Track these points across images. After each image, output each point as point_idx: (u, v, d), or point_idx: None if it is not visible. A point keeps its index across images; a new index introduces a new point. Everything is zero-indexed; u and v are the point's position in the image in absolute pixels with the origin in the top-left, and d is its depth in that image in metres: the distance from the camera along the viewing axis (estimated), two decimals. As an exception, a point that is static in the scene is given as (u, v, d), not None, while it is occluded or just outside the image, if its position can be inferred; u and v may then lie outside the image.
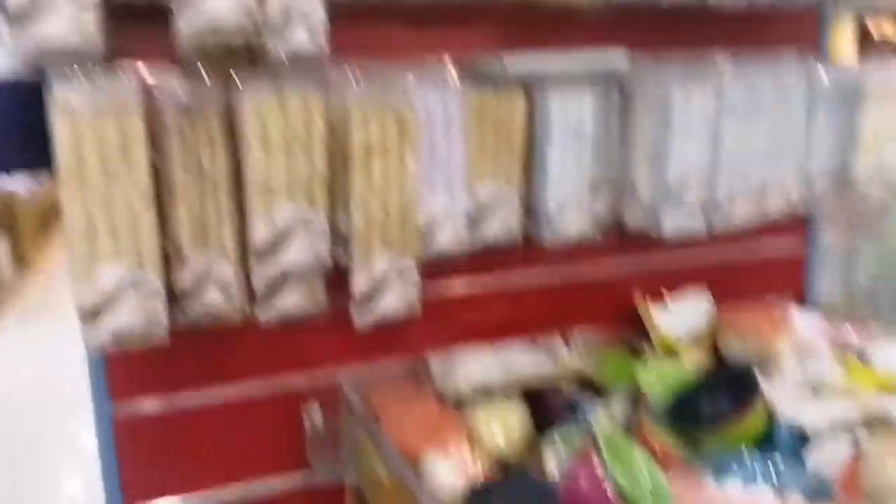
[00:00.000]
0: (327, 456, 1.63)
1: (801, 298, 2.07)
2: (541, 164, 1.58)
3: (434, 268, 1.59)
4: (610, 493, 1.03)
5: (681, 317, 1.80)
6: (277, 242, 1.32)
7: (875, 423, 1.28)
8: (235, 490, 1.62)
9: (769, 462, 0.97)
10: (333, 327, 1.57)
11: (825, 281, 2.31)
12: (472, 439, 1.45)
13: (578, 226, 1.63)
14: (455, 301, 1.70)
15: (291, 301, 1.41)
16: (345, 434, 1.61)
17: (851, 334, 1.67)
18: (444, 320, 1.70)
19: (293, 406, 1.63)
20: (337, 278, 1.49)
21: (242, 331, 1.49)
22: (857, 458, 1.20)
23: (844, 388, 1.38)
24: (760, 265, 2.00)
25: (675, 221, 1.65)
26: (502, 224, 1.58)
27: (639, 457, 1.17)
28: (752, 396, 1.28)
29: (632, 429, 1.43)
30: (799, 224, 2.03)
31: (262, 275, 1.34)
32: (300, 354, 1.61)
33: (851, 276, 3.50)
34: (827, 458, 1.22)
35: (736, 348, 1.68)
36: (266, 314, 1.41)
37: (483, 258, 1.66)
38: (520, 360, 1.61)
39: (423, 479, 1.30)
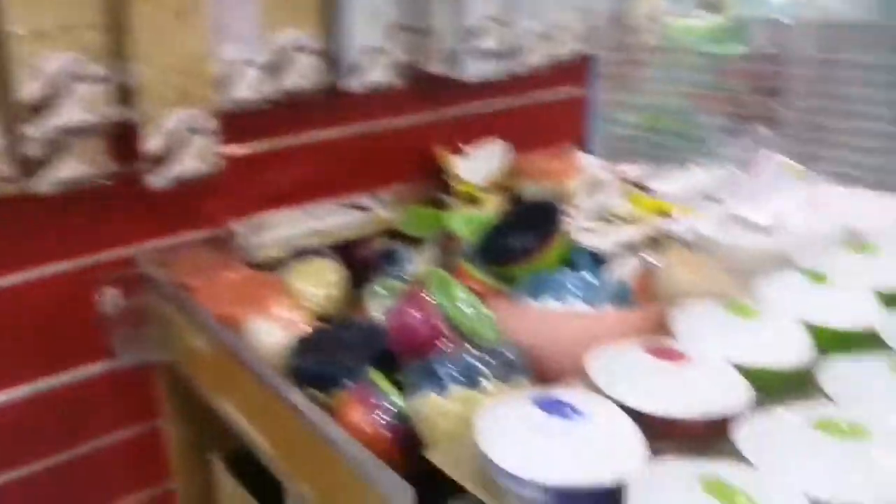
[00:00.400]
0: (130, 339, 1.53)
1: (582, 145, 2.22)
2: (340, 9, 1.51)
3: (233, 126, 1.49)
4: (438, 321, 1.07)
5: (479, 165, 1.86)
6: (49, 98, 1.15)
7: (660, 242, 1.43)
8: (28, 388, 1.48)
9: (577, 280, 1.05)
10: (125, 198, 1.43)
11: (597, 130, 2.51)
12: (291, 299, 1.43)
13: (381, 74, 1.59)
14: (258, 161, 1.62)
15: (71, 167, 1.26)
16: (149, 313, 1.51)
17: (629, 171, 1.83)
18: (247, 183, 1.62)
19: (87, 289, 1.49)
20: (125, 140, 1.34)
21: (18, 206, 1.31)
22: (647, 272, 1.34)
23: (630, 216, 1.53)
24: (548, 113, 2.10)
25: (475, 66, 1.67)
26: (302, 73, 1.50)
27: (461, 290, 1.22)
28: (554, 228, 1.36)
29: (447, 271, 1.48)
30: (579, 73, 2.14)
31: (33, 137, 1.17)
32: (90, 231, 1.46)
33: (615, 127, 3.83)
34: (621, 275, 1.36)
35: (532, 190, 1.77)
36: (43, 184, 1.24)
37: (285, 112, 1.58)
38: (330, 219, 1.59)
39: (246, 342, 1.26)
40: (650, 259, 1.35)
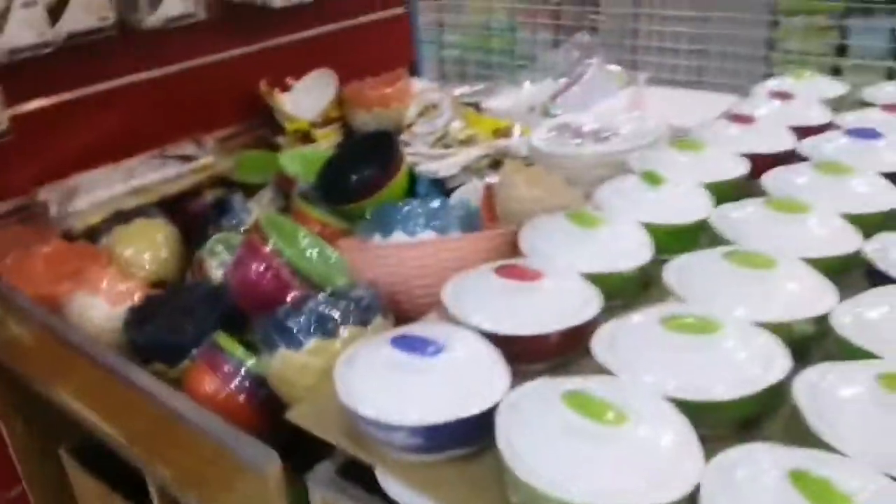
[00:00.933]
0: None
1: (412, 69, 2.16)
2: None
3: (17, 79, 1.31)
4: (283, 271, 1.00)
5: (308, 99, 1.77)
6: None
7: (500, 162, 1.42)
8: None
9: (423, 209, 1.02)
10: None
11: (425, 53, 2.46)
12: (117, 268, 1.30)
13: (179, 5, 1.45)
14: (57, 117, 1.44)
15: None
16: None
17: (462, 92, 1.80)
18: (49, 143, 1.44)
19: None
20: None
21: None
22: (490, 193, 1.33)
23: (468, 138, 1.50)
24: (373, 37, 2.01)
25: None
26: (89, 9, 1.33)
27: (302, 233, 1.15)
28: (394, 160, 1.32)
29: (286, 216, 1.40)
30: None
31: None
32: None
33: (442, 49, 3.79)
34: (466, 199, 1.34)
35: (366, 120, 1.70)
36: None
37: (80, 59, 1.41)
38: (150, 174, 1.45)
39: (72, 323, 1.14)
40: (492, 180, 1.33)
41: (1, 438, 1.48)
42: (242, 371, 0.96)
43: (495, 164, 1.43)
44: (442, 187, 1.39)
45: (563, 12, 3.57)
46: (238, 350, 0.98)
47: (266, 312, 1.00)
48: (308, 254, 1.09)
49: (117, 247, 1.32)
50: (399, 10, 2.08)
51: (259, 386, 0.95)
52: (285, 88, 1.77)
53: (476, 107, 1.68)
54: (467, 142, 1.52)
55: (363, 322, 0.87)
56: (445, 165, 1.41)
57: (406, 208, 1.02)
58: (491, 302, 0.81)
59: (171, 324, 1.05)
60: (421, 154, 1.45)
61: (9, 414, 1.46)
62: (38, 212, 1.39)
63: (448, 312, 0.81)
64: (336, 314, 0.85)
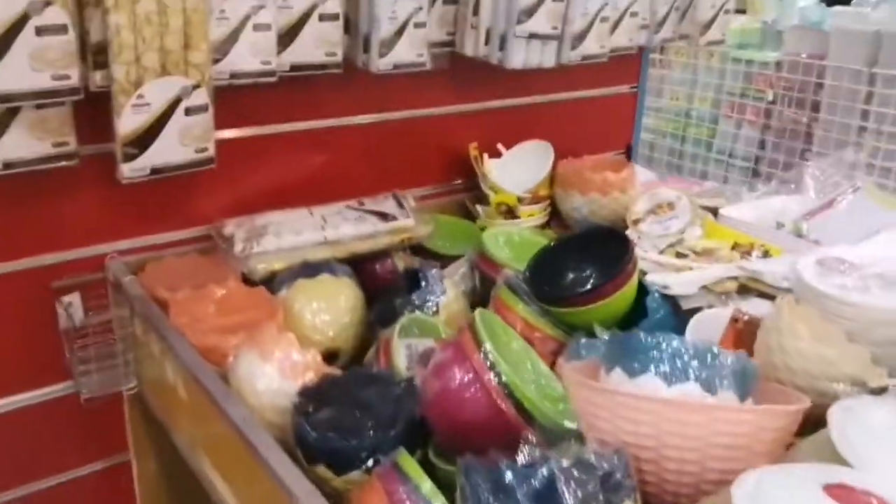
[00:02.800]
0: (91, 361, 1.24)
1: (629, 152, 1.96)
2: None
3: (231, 102, 1.21)
4: (495, 392, 0.80)
5: (518, 171, 1.59)
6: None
7: (748, 287, 1.17)
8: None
9: (688, 349, 0.78)
10: (93, 186, 1.15)
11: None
12: (293, 328, 1.16)
13: (411, 52, 1.31)
14: (258, 148, 1.34)
15: (20, 145, 0.97)
16: (116, 331, 1.23)
17: (692, 189, 1.57)
18: (243, 175, 1.34)
19: (44, 298, 1.21)
20: (94, 114, 1.06)
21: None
22: (739, 326, 1.08)
23: (705, 250, 1.27)
24: (598, 113, 1.82)
25: (523, 53, 1.39)
26: (317, 42, 1.21)
27: (525, 352, 0.95)
28: (626, 264, 1.10)
29: (481, 303, 1.21)
30: (633, 68, 1.87)
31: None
32: (48, 225, 1.18)
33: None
34: (705, 328, 1.10)
35: (578, 205, 1.50)
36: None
37: (295, 92, 1.30)
38: (345, 228, 1.31)
39: (233, 390, 0.99)
40: (746, 311, 1.08)
41: (130, 477, 1.36)
42: (425, 509, 0.76)
43: (742, 289, 1.17)
44: (674, 307, 1.15)
45: (776, 112, 3.25)
46: (425, 483, 0.78)
47: (463, 439, 0.80)
48: (529, 377, 0.88)
49: (297, 301, 1.17)
50: (627, 88, 1.88)
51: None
52: (495, 154, 1.61)
53: (712, 211, 1.44)
54: (704, 254, 1.28)
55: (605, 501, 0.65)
56: (682, 281, 1.17)
57: (665, 344, 0.79)
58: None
59: (349, 423, 0.87)
60: (650, 260, 1.22)
61: (142, 453, 1.34)
62: (221, 246, 1.28)
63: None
64: (577, 491, 0.63)
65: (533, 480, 0.64)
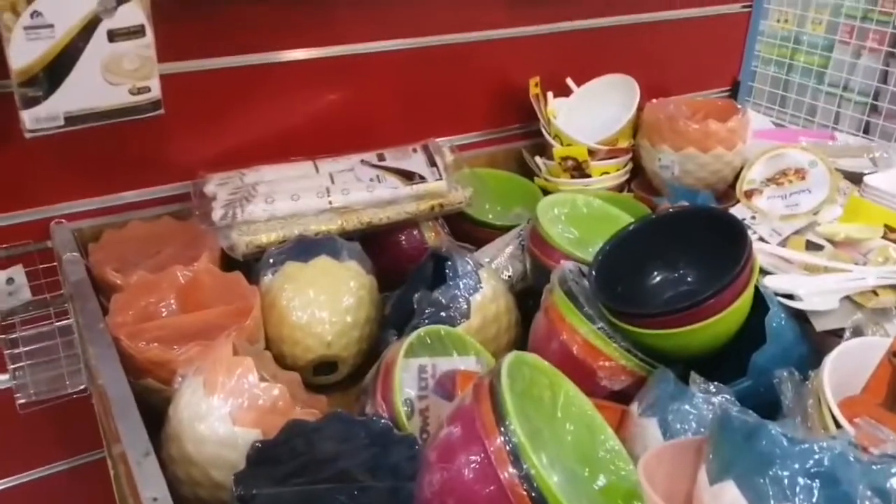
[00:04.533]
0: (32, 357, 0.99)
1: (732, 93, 1.56)
2: None
3: (216, 18, 0.90)
4: (516, 497, 0.50)
5: (591, 115, 1.24)
6: None
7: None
8: None
9: (849, 463, 0.46)
10: (19, 140, 0.87)
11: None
12: (277, 329, 0.87)
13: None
14: (253, 82, 1.03)
15: None
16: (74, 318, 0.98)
17: (823, 144, 1.18)
18: (231, 117, 1.04)
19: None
20: None
21: None
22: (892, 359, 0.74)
23: (852, 238, 0.90)
24: (693, 44, 1.43)
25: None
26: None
27: (570, 399, 0.63)
28: (742, 268, 0.75)
29: (534, 301, 0.89)
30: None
31: None
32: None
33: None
34: (848, 365, 0.76)
35: (667, 163, 1.15)
36: None
37: (301, 4, 0.99)
38: (356, 192, 1.00)
39: (171, 431, 0.71)
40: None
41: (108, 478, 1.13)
42: None
43: (904, 304, 0.82)
44: (803, 324, 0.81)
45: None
46: None
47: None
48: (578, 457, 0.57)
49: (284, 293, 0.89)
50: (738, 7, 1.47)
51: None
52: (563, 92, 1.26)
53: (855, 181, 1.06)
54: (847, 245, 0.92)
55: None
56: (816, 289, 0.82)
57: (821, 453, 0.46)
58: None
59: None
60: (770, 253, 0.87)
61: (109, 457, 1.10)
62: (197, 210, 0.99)
63: None
64: None
65: None
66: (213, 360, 0.71)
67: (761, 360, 0.74)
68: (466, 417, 0.53)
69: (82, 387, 0.99)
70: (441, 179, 1.03)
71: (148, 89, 0.79)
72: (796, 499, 0.45)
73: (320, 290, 0.90)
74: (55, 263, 0.98)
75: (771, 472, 0.46)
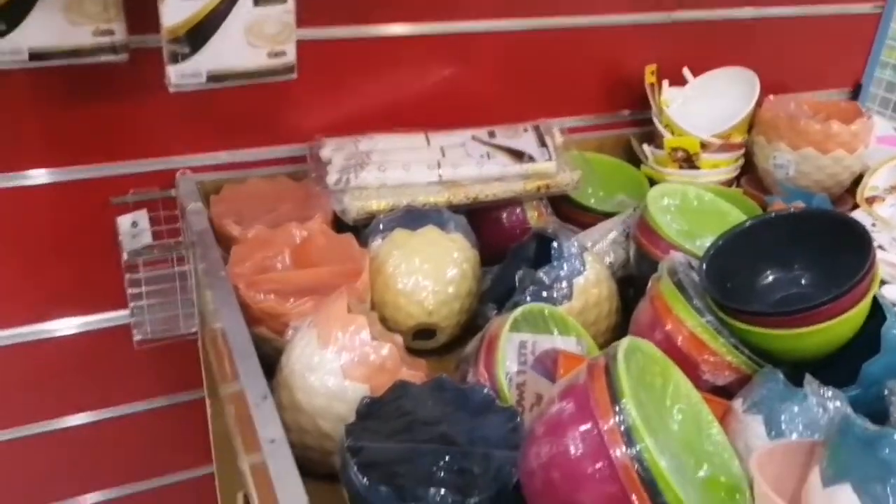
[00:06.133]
0: (151, 298, 1.05)
1: (857, 91, 1.50)
2: None
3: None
4: (627, 477, 0.51)
5: (707, 105, 1.22)
6: None
7: None
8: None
9: None
10: (156, 86, 0.92)
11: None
12: (381, 293, 0.90)
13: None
14: (369, 53, 1.06)
15: (50, 30, 0.75)
16: (188, 262, 1.03)
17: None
18: (349, 86, 1.07)
19: (103, 219, 1.02)
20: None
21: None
22: None
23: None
24: (818, 42, 1.38)
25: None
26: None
27: (681, 391, 0.64)
28: (863, 277, 0.73)
29: (635, 290, 0.90)
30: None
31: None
32: (103, 131, 0.97)
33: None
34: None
35: (782, 161, 1.12)
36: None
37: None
38: (466, 167, 1.01)
39: (282, 377, 0.75)
40: None
41: (204, 417, 1.20)
42: None
43: None
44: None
45: None
46: None
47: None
48: (688, 446, 0.58)
49: (391, 259, 0.91)
50: (868, 8, 1.41)
51: None
52: (678, 82, 1.24)
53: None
54: (973, 261, 0.88)
55: None
56: (936, 301, 0.80)
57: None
58: None
59: (414, 474, 0.60)
60: (892, 264, 0.84)
61: (211, 398, 1.16)
62: (313, 173, 1.03)
63: None
64: None
65: None
66: (328, 315, 0.74)
67: (874, 370, 0.72)
68: (580, 394, 0.54)
69: (194, 329, 1.04)
70: (550, 160, 1.03)
71: (284, 53, 0.82)
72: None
73: (426, 259, 0.92)
74: (177, 212, 1.04)
75: (893, 481, 0.46)
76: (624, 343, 0.57)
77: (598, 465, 0.52)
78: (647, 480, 0.50)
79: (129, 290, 1.01)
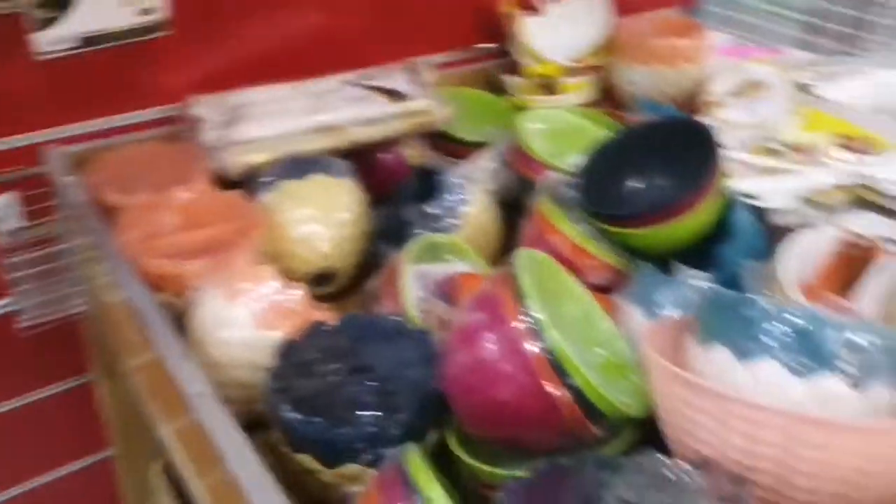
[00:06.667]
0: (32, 278, 1.02)
1: (690, 4, 1.61)
2: None
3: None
4: (540, 368, 0.57)
5: (565, 33, 1.28)
6: None
7: (864, 198, 0.90)
8: None
9: (818, 320, 0.54)
10: (14, 53, 0.87)
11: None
12: (276, 244, 0.91)
13: None
14: (234, 4, 1.04)
15: None
16: (64, 243, 1.00)
17: (783, 60, 1.26)
18: (217, 40, 1.05)
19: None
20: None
21: None
22: (844, 251, 0.83)
23: (806, 145, 0.99)
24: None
25: None
26: None
27: (572, 292, 0.71)
28: (710, 169, 0.83)
29: (517, 212, 0.96)
30: None
31: None
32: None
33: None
34: (799, 254, 0.85)
35: (636, 78, 1.20)
36: None
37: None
38: (343, 110, 1.03)
39: (193, 338, 0.76)
40: (857, 232, 0.83)
41: (89, 402, 1.17)
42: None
43: (857, 200, 0.91)
44: (762, 224, 0.89)
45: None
46: (436, 499, 0.56)
47: (494, 420, 0.59)
48: (585, 340, 0.65)
49: (282, 209, 0.93)
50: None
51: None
52: (532, 9, 1.30)
53: (807, 91, 1.14)
54: (801, 151, 1.00)
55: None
56: (774, 189, 0.91)
57: (792, 314, 0.54)
58: None
59: (343, 401, 0.64)
60: (735, 160, 0.95)
61: (104, 375, 1.14)
62: (187, 133, 1.02)
63: None
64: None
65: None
66: (232, 271, 0.76)
67: (728, 253, 0.83)
68: (489, 302, 0.60)
69: (79, 309, 1.02)
70: (425, 98, 1.07)
71: (154, 9, 0.80)
72: (779, 353, 0.53)
73: (317, 206, 0.94)
74: (50, 188, 1.00)
75: (753, 332, 0.54)
76: (521, 254, 0.63)
77: (513, 361, 0.58)
78: (556, 367, 0.57)
79: (10, 276, 0.97)
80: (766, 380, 0.53)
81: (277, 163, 0.98)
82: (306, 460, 0.64)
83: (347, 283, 0.97)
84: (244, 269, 0.76)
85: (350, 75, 1.09)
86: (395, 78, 1.09)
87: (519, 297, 0.59)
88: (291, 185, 0.95)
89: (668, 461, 0.50)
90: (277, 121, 1.00)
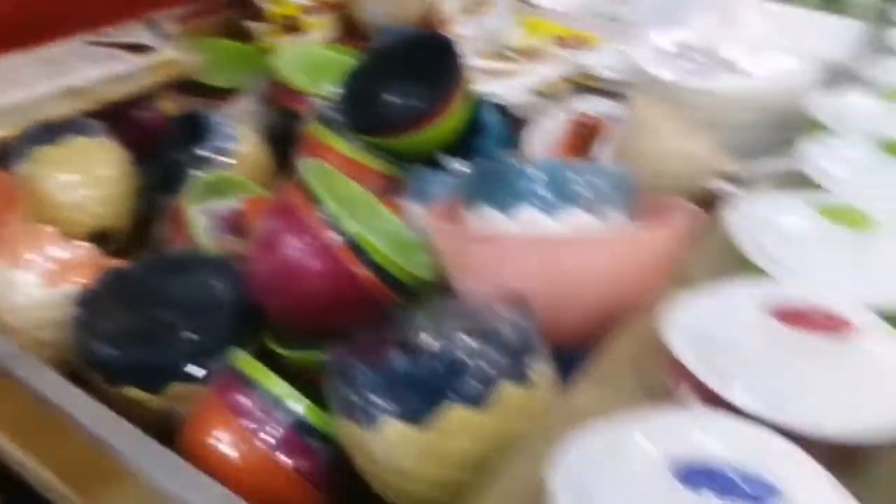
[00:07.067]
0: None
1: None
2: None
3: None
4: (344, 255, 0.63)
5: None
6: None
7: (584, 84, 1.05)
8: None
9: (567, 174, 0.65)
10: None
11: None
12: (44, 213, 0.88)
13: None
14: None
15: None
16: None
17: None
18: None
19: None
20: None
21: None
22: (578, 129, 0.98)
23: (531, 48, 1.12)
24: None
25: None
26: None
27: (353, 191, 0.77)
28: (455, 77, 0.92)
29: (288, 145, 1.00)
30: None
31: None
32: None
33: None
34: (541, 138, 0.98)
35: (376, 11, 1.28)
36: None
37: None
38: (88, 70, 1.00)
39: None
40: (584, 112, 0.97)
41: None
42: (288, 417, 0.60)
43: (578, 88, 1.06)
44: (506, 118, 1.02)
45: None
46: (276, 385, 0.61)
47: (308, 314, 0.65)
48: (375, 228, 0.71)
49: (43, 177, 0.89)
50: None
51: (318, 446, 0.59)
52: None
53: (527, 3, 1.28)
54: (528, 54, 1.14)
55: (520, 376, 0.52)
56: (511, 88, 1.03)
57: (534, 168, 0.65)
58: (789, 373, 0.47)
59: (155, 327, 0.66)
60: (475, 68, 1.06)
61: None
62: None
63: (700, 384, 0.47)
64: (482, 363, 0.50)
65: (425, 360, 0.49)
66: (9, 239, 0.73)
67: (483, 146, 0.94)
68: (283, 210, 0.64)
69: None
70: (172, 48, 1.06)
71: None
72: (534, 199, 0.64)
73: (78, 168, 0.91)
74: None
75: (510, 188, 0.64)
76: (304, 162, 0.68)
77: (319, 255, 0.64)
78: (358, 251, 0.63)
79: None
80: (527, 223, 0.64)
81: (28, 131, 0.93)
82: (131, 392, 0.65)
83: (134, 239, 0.96)
84: (22, 235, 0.73)
85: (89, 36, 1.05)
86: (137, 34, 1.07)
87: (311, 198, 0.64)
88: (48, 151, 0.91)
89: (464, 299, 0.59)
90: (21, 89, 0.95)
